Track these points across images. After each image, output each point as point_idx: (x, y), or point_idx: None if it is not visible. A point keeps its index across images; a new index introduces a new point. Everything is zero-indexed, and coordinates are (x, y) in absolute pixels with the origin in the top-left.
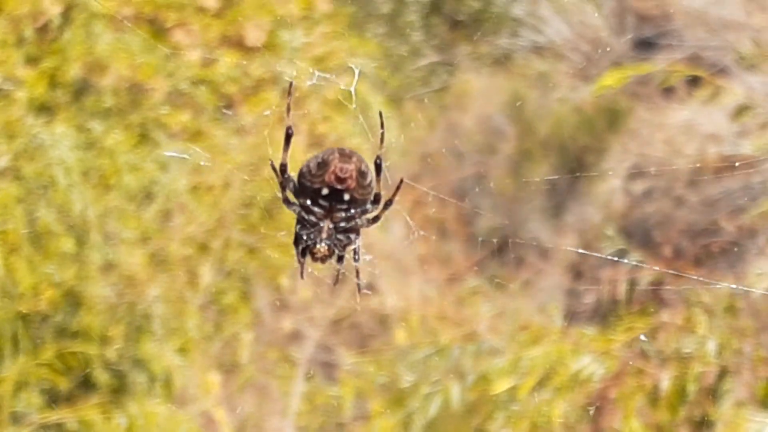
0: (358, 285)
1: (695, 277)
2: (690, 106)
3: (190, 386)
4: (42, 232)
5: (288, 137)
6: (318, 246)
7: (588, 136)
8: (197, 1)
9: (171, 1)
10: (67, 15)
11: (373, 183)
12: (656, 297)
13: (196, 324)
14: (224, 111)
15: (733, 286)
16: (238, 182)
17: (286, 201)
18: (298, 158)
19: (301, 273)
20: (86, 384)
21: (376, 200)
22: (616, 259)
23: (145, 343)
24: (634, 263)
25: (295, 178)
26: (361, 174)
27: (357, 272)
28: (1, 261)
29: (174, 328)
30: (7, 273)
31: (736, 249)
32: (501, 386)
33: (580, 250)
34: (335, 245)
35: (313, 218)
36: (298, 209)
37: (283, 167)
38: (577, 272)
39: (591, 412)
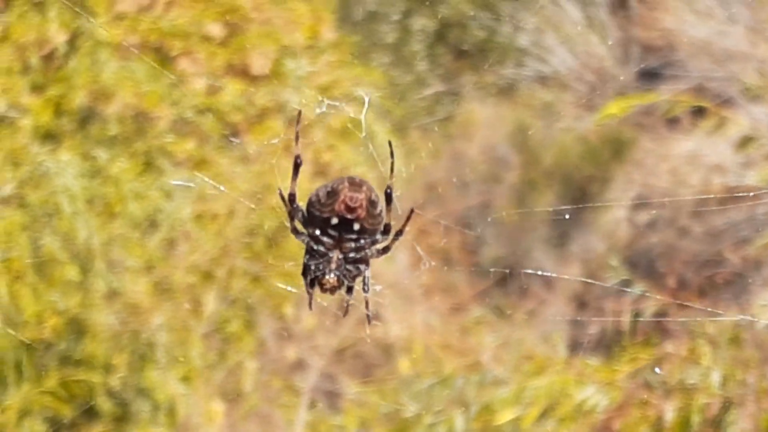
0: (368, 316)
1: (700, 308)
2: (695, 136)
3: (194, 415)
4: (46, 260)
5: (296, 167)
6: (327, 277)
7: (592, 166)
8: (203, 29)
9: (176, 29)
10: (72, 43)
11: (384, 213)
12: (660, 328)
13: (200, 352)
14: (230, 139)
15: (740, 316)
16: (243, 211)
17: (295, 231)
18: (303, 187)
19: (310, 304)
20: (90, 412)
21: (386, 230)
22: (625, 289)
23: (148, 372)
24: (639, 292)
25: (304, 208)
26: (372, 203)
27: (366, 303)
28: (6, 288)
29: (178, 356)
30: (12, 300)
31: (740, 280)
32: (505, 416)
33: (588, 280)
34: (344, 276)
35: (322, 248)
36: (306, 239)
37: (292, 197)
38: (581, 302)
39: None
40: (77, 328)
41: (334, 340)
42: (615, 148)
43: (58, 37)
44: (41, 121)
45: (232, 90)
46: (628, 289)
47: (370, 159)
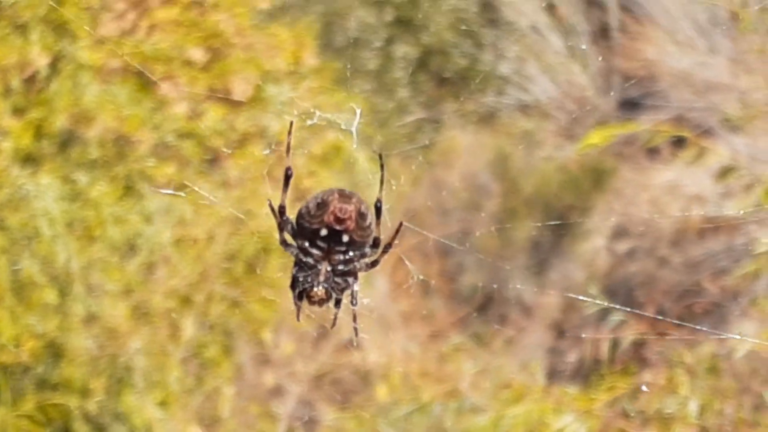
0: (356, 329)
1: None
2: (674, 166)
3: None
4: (25, 283)
5: (287, 178)
6: (315, 289)
7: (573, 194)
8: (185, 54)
9: (158, 53)
10: (54, 66)
11: (373, 226)
12: (638, 357)
13: (178, 377)
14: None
15: (728, 335)
16: (223, 235)
17: (284, 243)
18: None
19: (297, 316)
20: None
21: (375, 244)
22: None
23: (126, 396)
24: (632, 309)
25: (294, 220)
26: (361, 215)
27: (354, 317)
28: None
29: (155, 381)
30: None
31: (718, 310)
32: None
33: (581, 297)
34: (333, 289)
35: (310, 260)
36: (295, 251)
37: (282, 209)
38: (559, 331)
39: None
40: (55, 351)
41: (312, 366)
42: (595, 178)
43: (40, 60)
44: (22, 143)
45: (213, 115)
46: (617, 307)
47: (352, 185)
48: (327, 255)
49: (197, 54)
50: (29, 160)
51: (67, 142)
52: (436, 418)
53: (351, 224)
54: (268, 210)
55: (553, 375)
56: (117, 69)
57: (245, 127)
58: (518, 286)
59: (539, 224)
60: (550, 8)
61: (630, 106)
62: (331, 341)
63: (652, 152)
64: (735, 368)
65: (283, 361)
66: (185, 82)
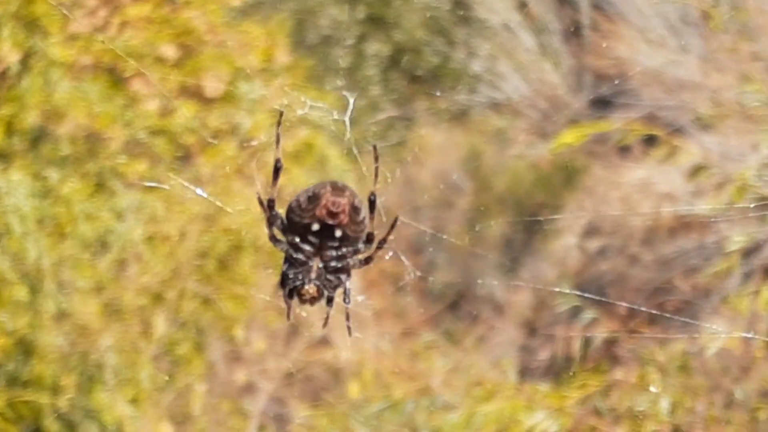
0: (349, 328)
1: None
2: (646, 164)
3: None
4: None
5: (277, 170)
6: (306, 287)
7: (544, 193)
8: (156, 51)
9: (130, 50)
10: (25, 62)
11: (367, 220)
12: (610, 355)
13: (149, 374)
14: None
15: (710, 325)
16: (195, 233)
17: (273, 238)
18: (256, 211)
19: (288, 314)
20: None
21: (369, 239)
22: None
23: (97, 393)
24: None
25: (284, 215)
26: (354, 209)
27: (347, 315)
28: None
29: (126, 378)
30: None
31: (689, 308)
32: None
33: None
34: (325, 286)
35: (301, 257)
36: (285, 247)
37: (271, 202)
38: (531, 329)
39: None
40: (25, 348)
41: (284, 363)
42: (567, 176)
43: (11, 57)
44: None
45: (185, 112)
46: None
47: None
48: (319, 251)
49: (169, 51)
50: (0, 156)
51: (38, 138)
52: (408, 416)
53: (344, 218)
54: (242, 207)
55: (525, 372)
56: (88, 66)
57: (217, 124)
58: (494, 283)
59: (513, 220)
60: (522, 6)
61: (601, 104)
62: (302, 339)
63: (624, 150)
64: (706, 366)
65: (255, 359)
66: (157, 79)
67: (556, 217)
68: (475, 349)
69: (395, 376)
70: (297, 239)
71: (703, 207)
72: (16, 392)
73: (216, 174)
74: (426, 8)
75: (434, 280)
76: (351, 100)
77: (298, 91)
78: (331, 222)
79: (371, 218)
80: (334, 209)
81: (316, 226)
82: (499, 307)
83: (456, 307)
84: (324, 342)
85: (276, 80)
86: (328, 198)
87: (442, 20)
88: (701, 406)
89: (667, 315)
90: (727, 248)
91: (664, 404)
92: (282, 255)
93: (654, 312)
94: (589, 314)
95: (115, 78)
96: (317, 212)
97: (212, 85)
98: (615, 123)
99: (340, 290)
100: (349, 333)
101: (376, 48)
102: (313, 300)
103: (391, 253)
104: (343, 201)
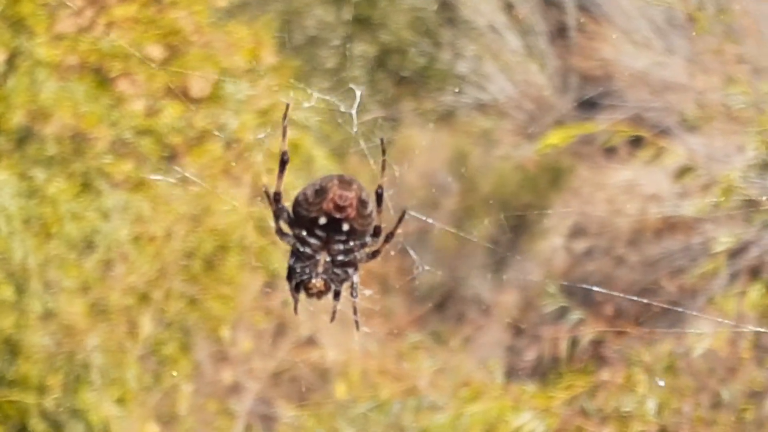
0: (357, 322)
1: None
2: (632, 166)
3: None
4: None
5: (283, 163)
6: (313, 281)
7: (530, 193)
8: (142, 51)
9: (116, 50)
10: (11, 62)
11: (374, 213)
12: (597, 355)
13: (136, 374)
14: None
15: (705, 316)
16: (181, 233)
17: (280, 232)
18: (242, 211)
19: (295, 308)
20: None
21: (376, 233)
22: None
23: (83, 393)
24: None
25: (290, 208)
26: (362, 203)
27: (355, 309)
28: None
29: (113, 378)
30: None
31: (676, 309)
32: None
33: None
34: (332, 280)
35: (308, 250)
36: (292, 241)
37: (278, 196)
38: (517, 329)
39: None
40: (11, 348)
41: (270, 363)
42: (553, 177)
43: None
44: None
45: (171, 112)
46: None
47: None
48: (326, 245)
49: (155, 51)
50: None
51: (24, 138)
52: (394, 416)
53: (351, 212)
54: (229, 206)
55: (512, 373)
56: (74, 66)
57: (203, 124)
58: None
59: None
60: (508, 7)
61: (587, 105)
62: (289, 338)
63: (610, 151)
64: (693, 367)
65: (241, 358)
66: (143, 79)
67: (544, 212)
68: (461, 350)
69: (382, 376)
70: (304, 233)
71: (689, 208)
72: (2, 392)
73: (202, 174)
74: (412, 9)
75: (420, 282)
76: (358, 93)
77: (284, 92)
78: (338, 216)
79: (378, 211)
80: (341, 203)
81: (323, 220)
82: (486, 308)
83: (443, 307)
84: (311, 342)
85: (262, 81)
86: (335, 191)
87: (428, 21)
88: (688, 406)
89: (655, 303)
90: (714, 249)
91: (651, 405)
92: (288, 248)
93: (641, 300)
94: (576, 315)
95: (101, 78)
96: (324, 206)
97: (198, 86)
98: (601, 124)
99: (347, 284)
100: (357, 327)
101: (363, 49)
102: (320, 294)
103: (399, 247)
104: (351, 194)
